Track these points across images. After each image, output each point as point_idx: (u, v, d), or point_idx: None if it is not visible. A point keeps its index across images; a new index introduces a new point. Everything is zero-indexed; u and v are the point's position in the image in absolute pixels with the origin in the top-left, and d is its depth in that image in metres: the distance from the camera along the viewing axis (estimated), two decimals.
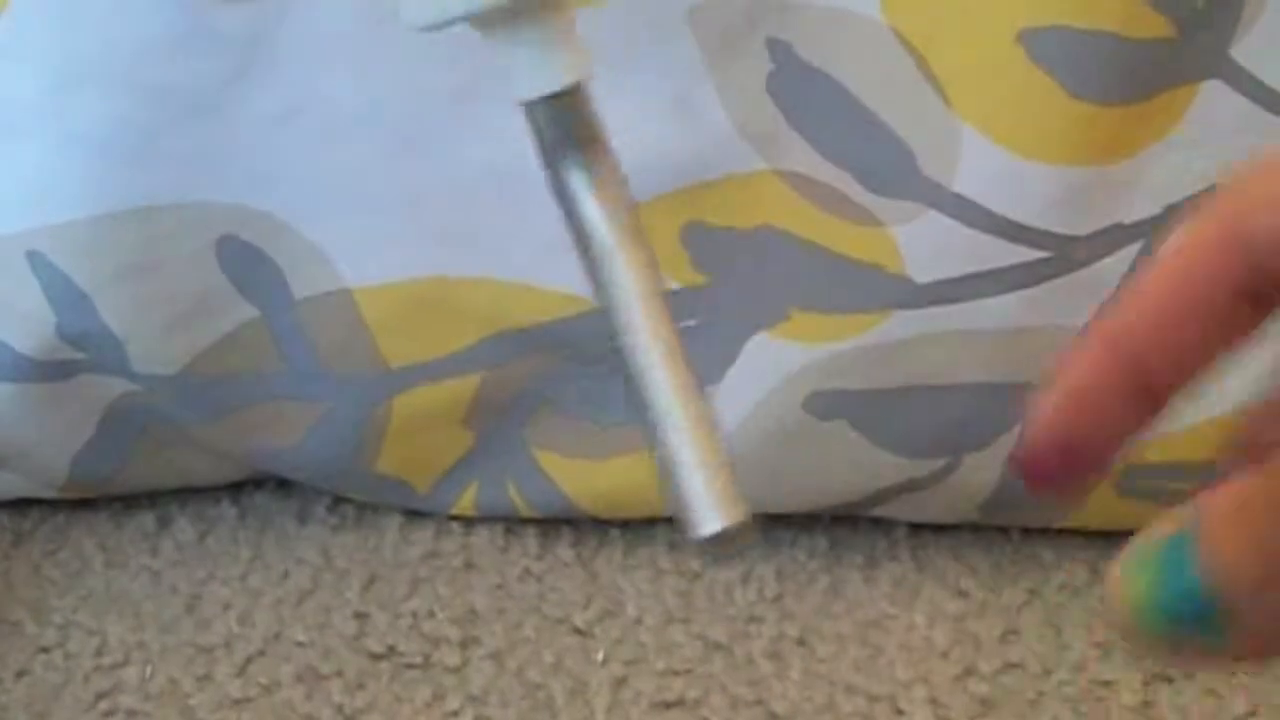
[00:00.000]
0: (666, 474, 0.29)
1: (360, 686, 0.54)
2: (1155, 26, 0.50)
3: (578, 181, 0.31)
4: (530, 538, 0.59)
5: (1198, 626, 0.25)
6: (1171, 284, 0.27)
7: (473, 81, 0.51)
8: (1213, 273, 0.27)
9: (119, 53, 0.51)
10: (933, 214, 0.52)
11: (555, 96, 0.31)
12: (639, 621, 0.56)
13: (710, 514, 0.29)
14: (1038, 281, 0.53)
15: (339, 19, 0.51)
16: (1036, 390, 0.28)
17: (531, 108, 0.31)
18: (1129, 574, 0.26)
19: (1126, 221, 0.53)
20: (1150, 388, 0.28)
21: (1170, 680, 0.54)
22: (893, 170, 0.52)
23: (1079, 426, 0.28)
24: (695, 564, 0.58)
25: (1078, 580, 0.58)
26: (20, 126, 0.53)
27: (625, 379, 0.30)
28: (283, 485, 0.60)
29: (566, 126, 0.31)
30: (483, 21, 0.31)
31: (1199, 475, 0.57)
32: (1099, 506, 0.57)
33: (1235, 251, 0.27)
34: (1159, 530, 0.26)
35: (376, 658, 0.55)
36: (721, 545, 0.29)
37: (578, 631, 0.55)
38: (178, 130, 0.52)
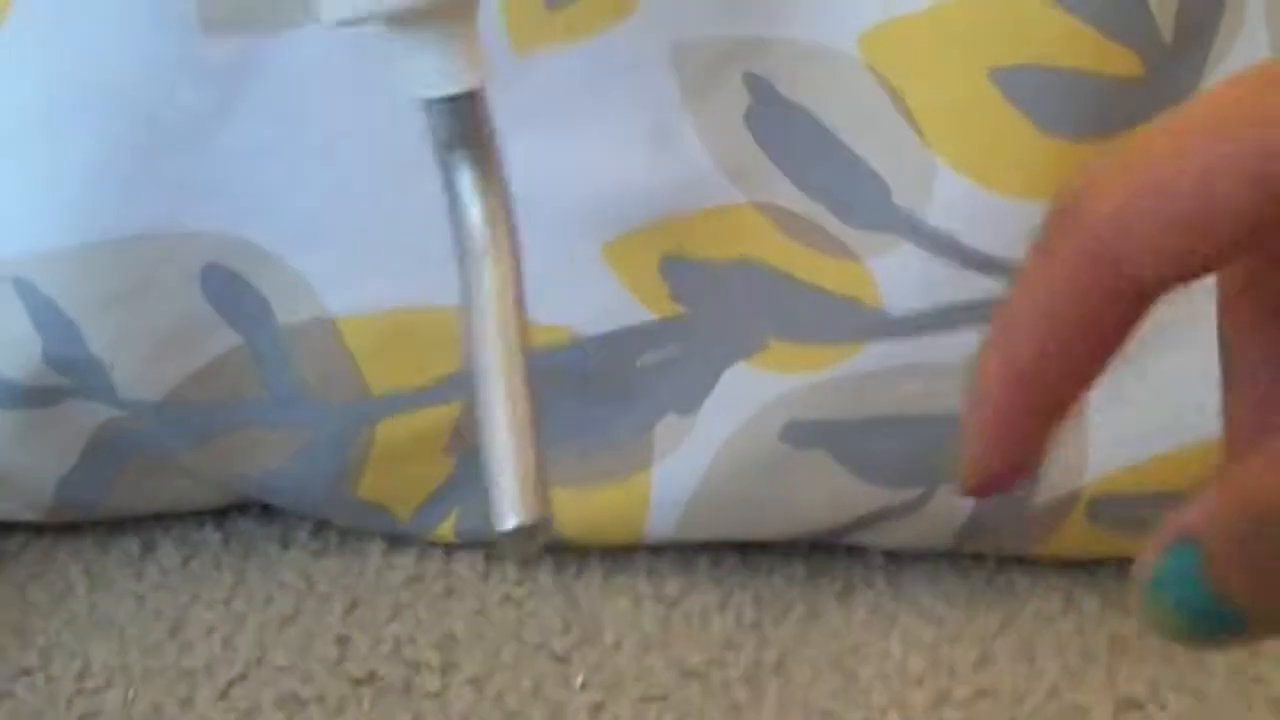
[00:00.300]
0: (485, 472, 0.31)
1: (341, 711, 0.54)
2: (1125, 63, 0.51)
3: (464, 182, 0.32)
4: (510, 564, 0.59)
5: (1224, 627, 0.26)
6: (1045, 302, 0.28)
7: None
8: (1081, 287, 0.28)
9: (106, 83, 0.52)
10: (908, 247, 0.52)
11: (454, 98, 0.32)
12: (617, 647, 0.56)
13: (512, 509, 0.30)
14: None
15: (324, 51, 0.52)
16: (962, 425, 0.30)
17: (430, 106, 0.32)
18: (1148, 602, 0.27)
19: None
20: (1059, 400, 0.29)
21: (1141, 706, 0.55)
22: (868, 204, 0.52)
23: (1005, 453, 0.29)
24: (674, 590, 0.58)
25: (1052, 608, 0.58)
26: (7, 154, 0.53)
27: (469, 374, 0.32)
28: (266, 511, 0.61)
29: (462, 127, 0.32)
30: (392, 20, 0.32)
31: (1169, 503, 0.58)
32: (1072, 535, 0.58)
33: (1104, 269, 0.27)
34: (1159, 557, 0.27)
35: (358, 682, 0.55)
36: (520, 540, 0.30)
37: (556, 657, 0.56)
38: (164, 160, 0.53)
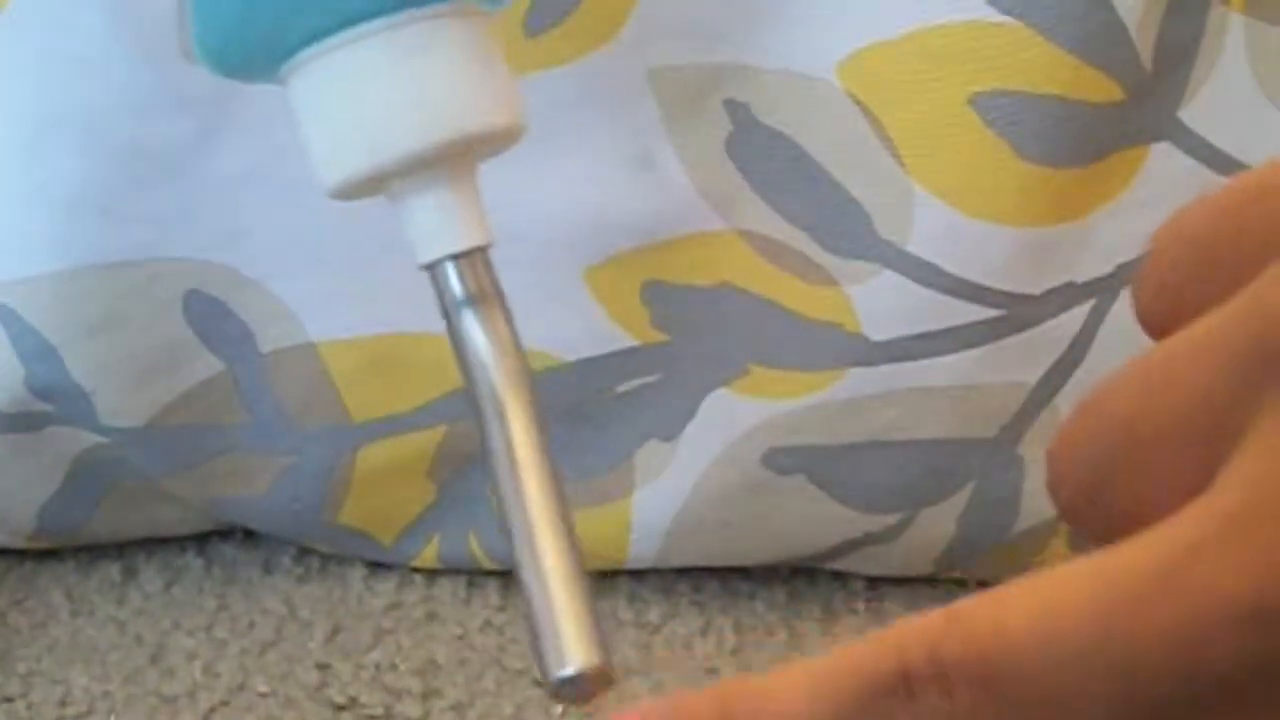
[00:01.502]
0: (533, 622, 0.30)
1: None
2: (1104, 90, 0.51)
3: (478, 342, 0.32)
4: (492, 589, 0.59)
5: None
6: None
7: None
8: None
9: (89, 110, 0.52)
10: (888, 274, 0.53)
11: (462, 255, 0.32)
12: None
13: (572, 657, 0.30)
14: (992, 339, 0.54)
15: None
16: None
17: (437, 267, 0.32)
18: None
19: (1079, 280, 0.54)
20: None
21: None
22: (849, 231, 0.52)
23: None
24: (655, 616, 0.58)
25: None
26: None
27: (499, 516, 0.31)
28: (248, 536, 0.61)
29: (467, 285, 0.32)
30: (391, 179, 0.32)
31: None
32: (1052, 560, 0.58)
33: None
34: None
35: (339, 709, 0.55)
36: (579, 686, 0.30)
37: (538, 683, 0.56)
38: (146, 187, 0.53)
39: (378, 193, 0.33)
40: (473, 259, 0.32)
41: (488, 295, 0.32)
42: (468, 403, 0.32)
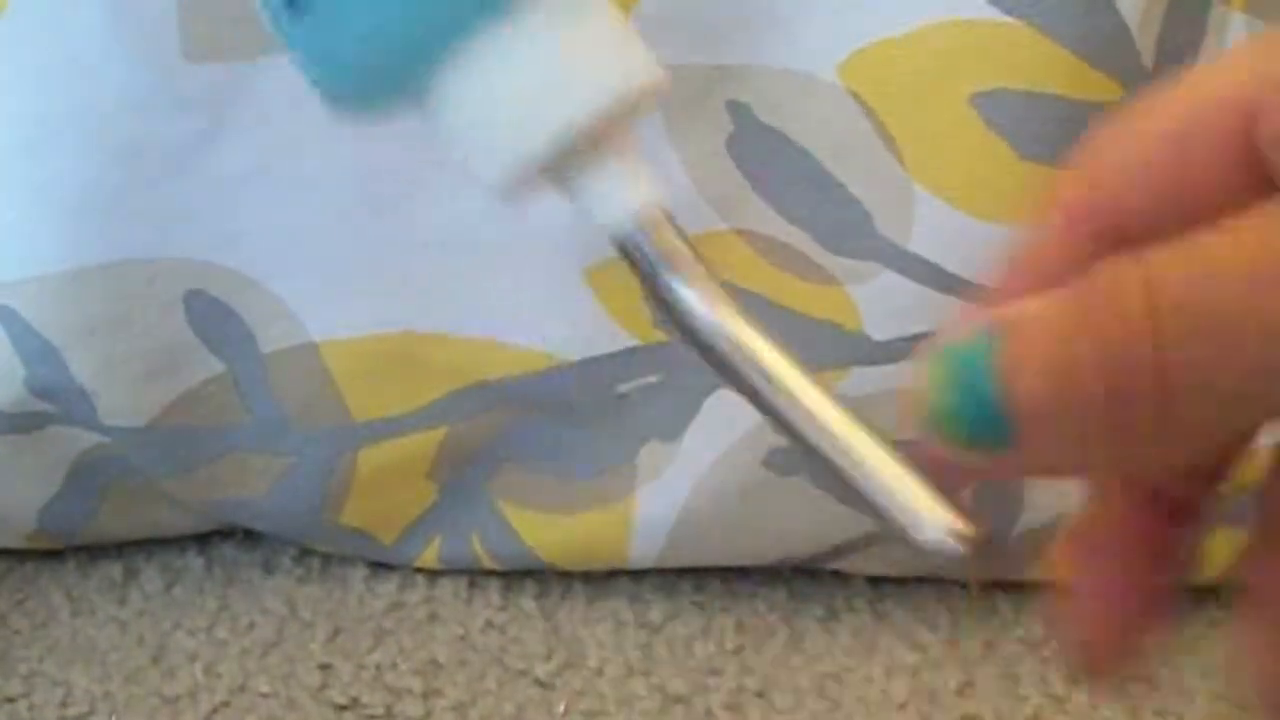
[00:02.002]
0: (887, 512, 0.30)
1: None
2: (1106, 89, 0.51)
3: (688, 300, 0.31)
4: (493, 590, 0.59)
5: (987, 433, 0.26)
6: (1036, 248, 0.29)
7: (430, 146, 0.52)
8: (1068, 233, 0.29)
9: (90, 112, 0.52)
10: (889, 273, 0.52)
11: (645, 218, 0.31)
12: (600, 673, 0.56)
13: (937, 520, 0.30)
14: None
15: (302, 83, 0.52)
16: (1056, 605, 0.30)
17: (622, 236, 0.31)
18: (932, 371, 0.27)
19: None
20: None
21: None
22: (850, 230, 0.52)
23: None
24: (656, 616, 0.58)
25: (1035, 633, 0.58)
26: None
27: (810, 456, 0.31)
28: (249, 536, 0.61)
29: (664, 245, 0.31)
30: (565, 166, 0.31)
31: None
32: (1054, 561, 0.58)
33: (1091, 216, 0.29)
34: (966, 332, 0.26)
35: (340, 709, 0.55)
36: (954, 543, 0.29)
37: (539, 683, 0.56)
38: (147, 188, 0.53)
39: (550, 179, 0.32)
40: (662, 217, 0.31)
41: (683, 250, 0.31)
42: (700, 357, 0.31)
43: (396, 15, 0.30)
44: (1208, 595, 0.61)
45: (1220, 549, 0.60)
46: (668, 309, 0.31)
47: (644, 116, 0.31)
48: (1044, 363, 0.25)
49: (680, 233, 0.31)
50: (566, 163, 0.30)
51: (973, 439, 0.26)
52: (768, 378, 0.31)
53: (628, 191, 0.31)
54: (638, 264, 0.31)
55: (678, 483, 0.56)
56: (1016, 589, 0.60)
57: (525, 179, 0.31)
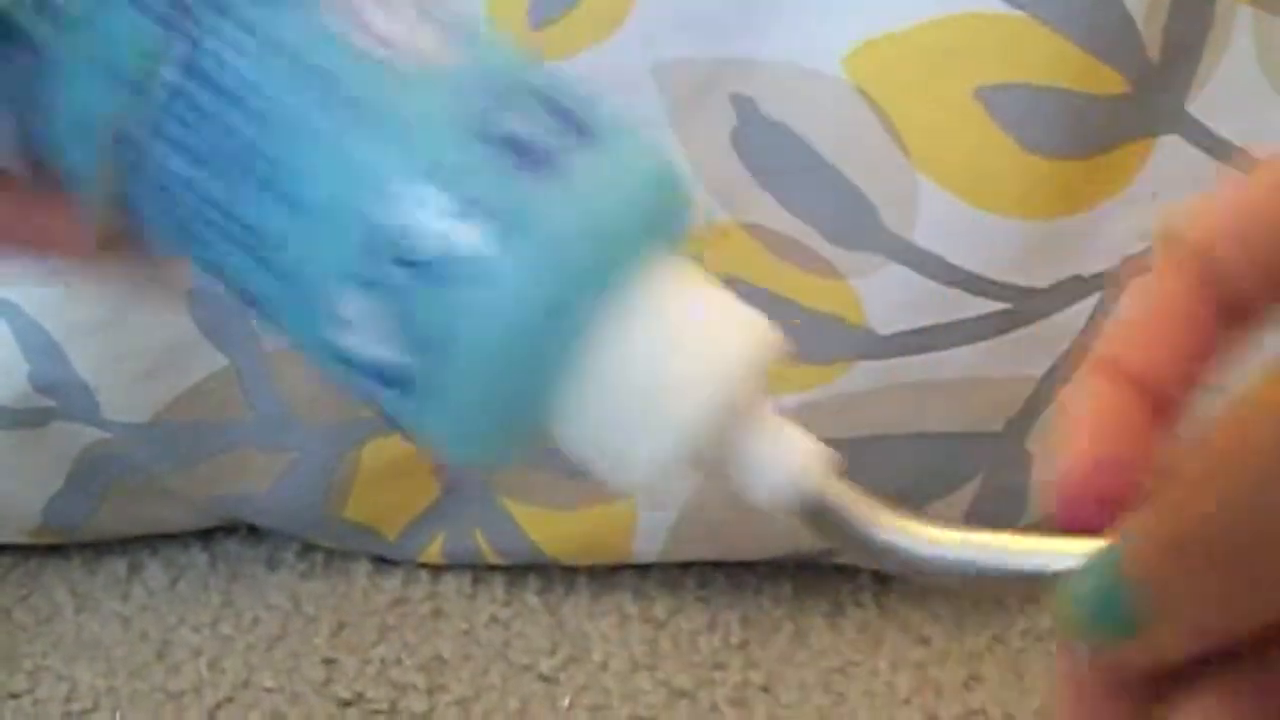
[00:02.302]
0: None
1: None
2: (1111, 83, 0.51)
3: (903, 544, 0.31)
4: (498, 585, 0.59)
5: (1114, 626, 0.27)
6: (1158, 311, 0.29)
7: None
8: (1190, 300, 0.29)
9: None
10: (894, 266, 0.52)
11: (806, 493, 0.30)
12: (604, 668, 0.56)
13: None
14: (998, 332, 0.53)
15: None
16: (1056, 443, 0.30)
17: (801, 505, 0.30)
18: (1073, 579, 0.28)
19: (1085, 274, 0.54)
20: (1158, 405, 0.29)
21: None
22: (854, 223, 0.52)
23: (1109, 456, 0.29)
24: (661, 611, 0.58)
25: (1040, 627, 0.58)
26: None
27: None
28: (253, 532, 0.61)
29: (843, 502, 0.31)
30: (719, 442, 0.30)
31: None
32: None
33: (1208, 281, 0.28)
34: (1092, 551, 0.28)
35: (344, 704, 0.55)
36: None
37: (544, 678, 0.56)
38: None
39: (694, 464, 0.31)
40: (829, 466, 0.31)
41: (858, 494, 0.31)
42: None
43: (503, 374, 0.29)
44: None
45: None
46: (876, 552, 0.30)
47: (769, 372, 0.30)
48: (1169, 575, 0.26)
49: (847, 486, 0.30)
50: (711, 445, 0.30)
51: (1100, 630, 0.27)
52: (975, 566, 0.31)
53: (788, 455, 0.30)
54: (827, 521, 0.30)
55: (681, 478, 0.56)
56: None
57: (675, 473, 0.30)
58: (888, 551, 0.30)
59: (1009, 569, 0.30)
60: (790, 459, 0.30)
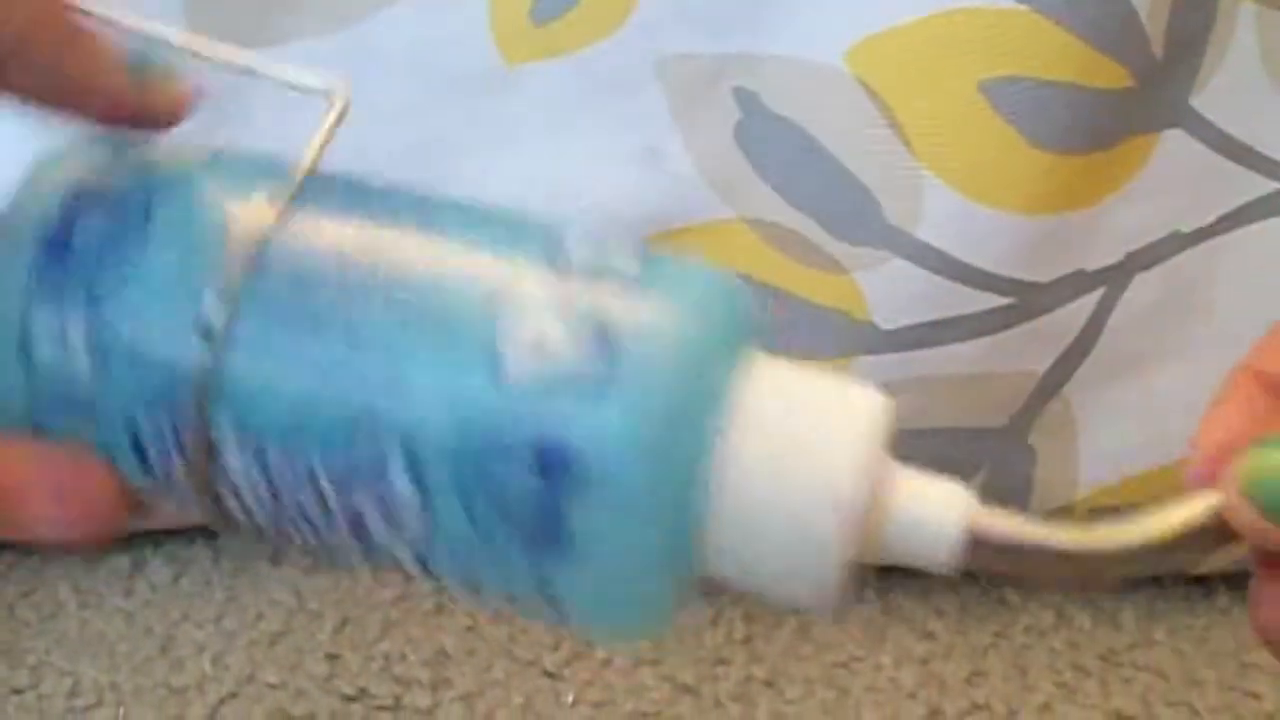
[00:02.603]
0: None
1: None
2: (1115, 77, 0.51)
3: (1068, 546, 0.31)
4: None
5: None
6: None
7: (441, 138, 0.52)
8: None
9: None
10: (898, 261, 0.52)
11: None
12: (608, 663, 0.56)
13: None
14: (1002, 327, 0.53)
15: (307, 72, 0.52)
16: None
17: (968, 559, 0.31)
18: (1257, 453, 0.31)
19: (1089, 268, 0.54)
20: None
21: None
22: (858, 218, 0.52)
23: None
24: None
25: (1044, 623, 0.58)
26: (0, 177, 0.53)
27: None
28: None
29: (1010, 537, 0.31)
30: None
31: None
32: None
33: None
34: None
35: (348, 699, 0.55)
36: None
37: (548, 674, 0.56)
38: None
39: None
40: (976, 506, 0.31)
41: (1019, 518, 0.31)
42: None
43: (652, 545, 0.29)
44: (1216, 586, 0.61)
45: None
46: (1053, 564, 0.31)
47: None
48: None
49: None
50: (869, 535, 0.30)
51: None
52: None
53: (942, 517, 0.30)
54: (993, 562, 0.30)
55: None
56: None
57: (846, 581, 0.30)
58: (1067, 559, 0.31)
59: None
60: (948, 513, 0.30)
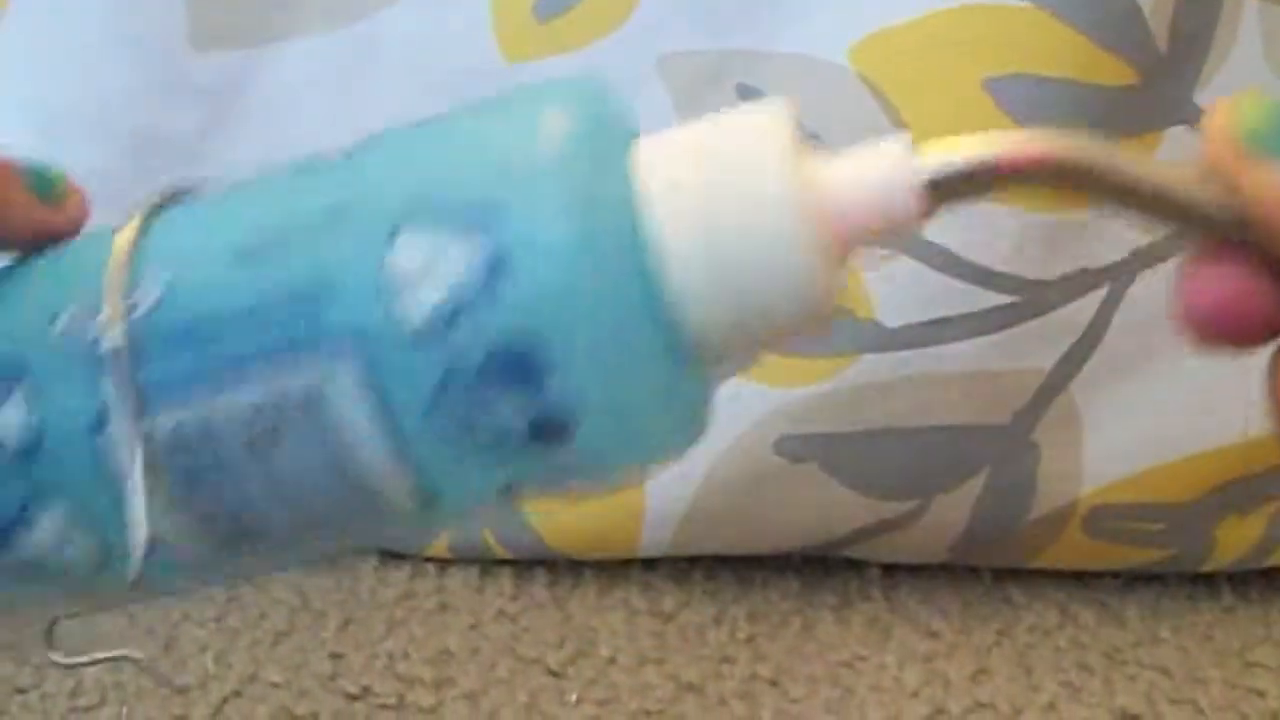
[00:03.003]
0: None
1: None
2: (1119, 74, 0.51)
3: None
4: (505, 578, 0.59)
5: None
6: None
7: None
8: None
9: (100, 102, 0.52)
10: (902, 259, 0.52)
11: None
12: (612, 662, 0.56)
13: None
14: (1007, 325, 0.53)
15: (310, 70, 0.52)
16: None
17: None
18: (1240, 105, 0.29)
19: (1093, 266, 0.53)
20: None
21: (1137, 719, 0.55)
22: None
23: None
24: (669, 605, 0.58)
25: (1048, 621, 0.58)
26: None
27: None
28: None
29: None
30: None
31: (1163, 515, 0.58)
32: (1069, 548, 0.58)
33: None
34: None
35: (352, 698, 0.55)
36: None
37: (551, 672, 0.56)
38: (156, 176, 0.52)
39: None
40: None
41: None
42: None
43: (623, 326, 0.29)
44: (1220, 583, 0.61)
45: (1232, 538, 0.60)
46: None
47: None
48: None
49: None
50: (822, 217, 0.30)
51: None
52: None
53: (885, 165, 0.30)
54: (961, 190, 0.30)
55: (689, 471, 0.56)
56: (1029, 576, 0.60)
57: (829, 278, 0.30)
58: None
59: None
60: (891, 159, 0.30)
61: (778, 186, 0.29)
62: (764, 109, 0.30)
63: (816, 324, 0.30)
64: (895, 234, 0.30)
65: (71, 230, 0.34)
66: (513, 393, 0.28)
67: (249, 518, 0.31)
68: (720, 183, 0.29)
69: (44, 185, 0.33)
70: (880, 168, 0.30)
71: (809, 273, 0.29)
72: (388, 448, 0.29)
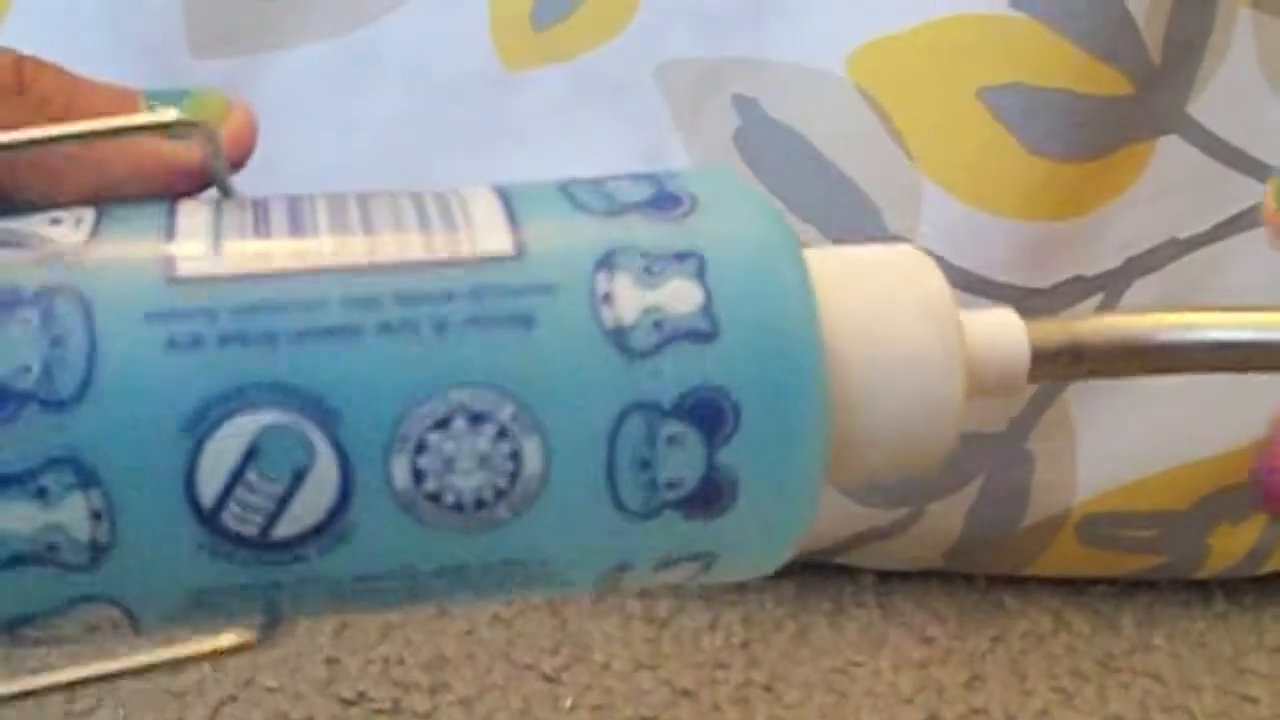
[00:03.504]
0: None
1: None
2: (1113, 84, 0.51)
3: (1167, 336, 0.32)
4: None
5: None
6: None
7: (442, 139, 0.52)
8: None
9: None
10: None
11: None
12: (607, 667, 0.56)
13: None
14: None
15: (309, 77, 0.52)
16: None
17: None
18: None
19: (1088, 274, 0.54)
20: None
21: None
22: (857, 225, 0.52)
23: None
24: (663, 610, 0.58)
25: (1042, 627, 0.58)
26: None
27: None
28: None
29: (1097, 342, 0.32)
30: None
31: (1156, 523, 0.58)
32: (1062, 555, 0.58)
33: None
34: None
35: (347, 704, 0.55)
36: None
37: (546, 677, 0.56)
38: None
39: None
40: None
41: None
42: None
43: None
44: (1214, 590, 0.61)
45: (1225, 546, 0.60)
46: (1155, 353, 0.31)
47: None
48: None
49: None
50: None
51: None
52: None
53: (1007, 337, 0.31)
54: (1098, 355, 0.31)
55: None
56: (1023, 583, 0.60)
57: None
58: (1168, 349, 0.31)
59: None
60: (1012, 331, 0.31)
61: (945, 345, 0.30)
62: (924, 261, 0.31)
63: (924, 475, 0.31)
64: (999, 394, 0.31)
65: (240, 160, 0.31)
66: (695, 439, 0.28)
67: None
68: (886, 330, 0.30)
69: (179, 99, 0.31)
70: (1007, 338, 0.31)
71: (951, 432, 0.30)
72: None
